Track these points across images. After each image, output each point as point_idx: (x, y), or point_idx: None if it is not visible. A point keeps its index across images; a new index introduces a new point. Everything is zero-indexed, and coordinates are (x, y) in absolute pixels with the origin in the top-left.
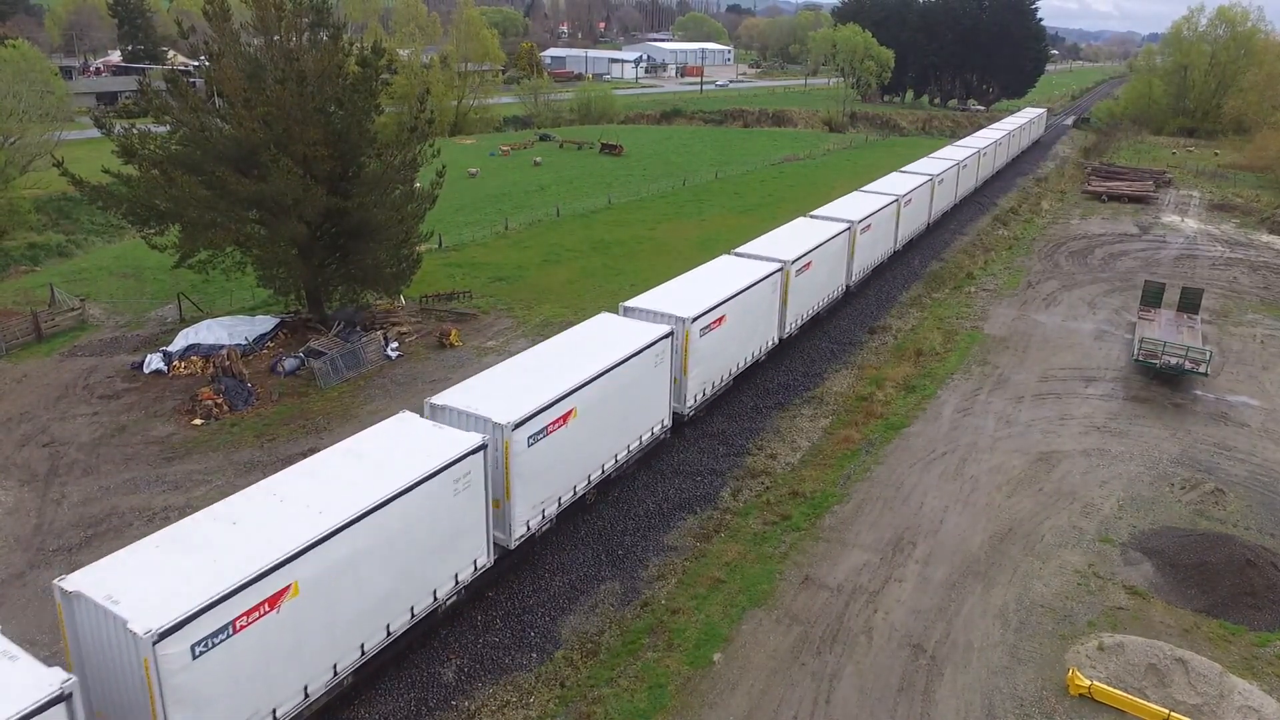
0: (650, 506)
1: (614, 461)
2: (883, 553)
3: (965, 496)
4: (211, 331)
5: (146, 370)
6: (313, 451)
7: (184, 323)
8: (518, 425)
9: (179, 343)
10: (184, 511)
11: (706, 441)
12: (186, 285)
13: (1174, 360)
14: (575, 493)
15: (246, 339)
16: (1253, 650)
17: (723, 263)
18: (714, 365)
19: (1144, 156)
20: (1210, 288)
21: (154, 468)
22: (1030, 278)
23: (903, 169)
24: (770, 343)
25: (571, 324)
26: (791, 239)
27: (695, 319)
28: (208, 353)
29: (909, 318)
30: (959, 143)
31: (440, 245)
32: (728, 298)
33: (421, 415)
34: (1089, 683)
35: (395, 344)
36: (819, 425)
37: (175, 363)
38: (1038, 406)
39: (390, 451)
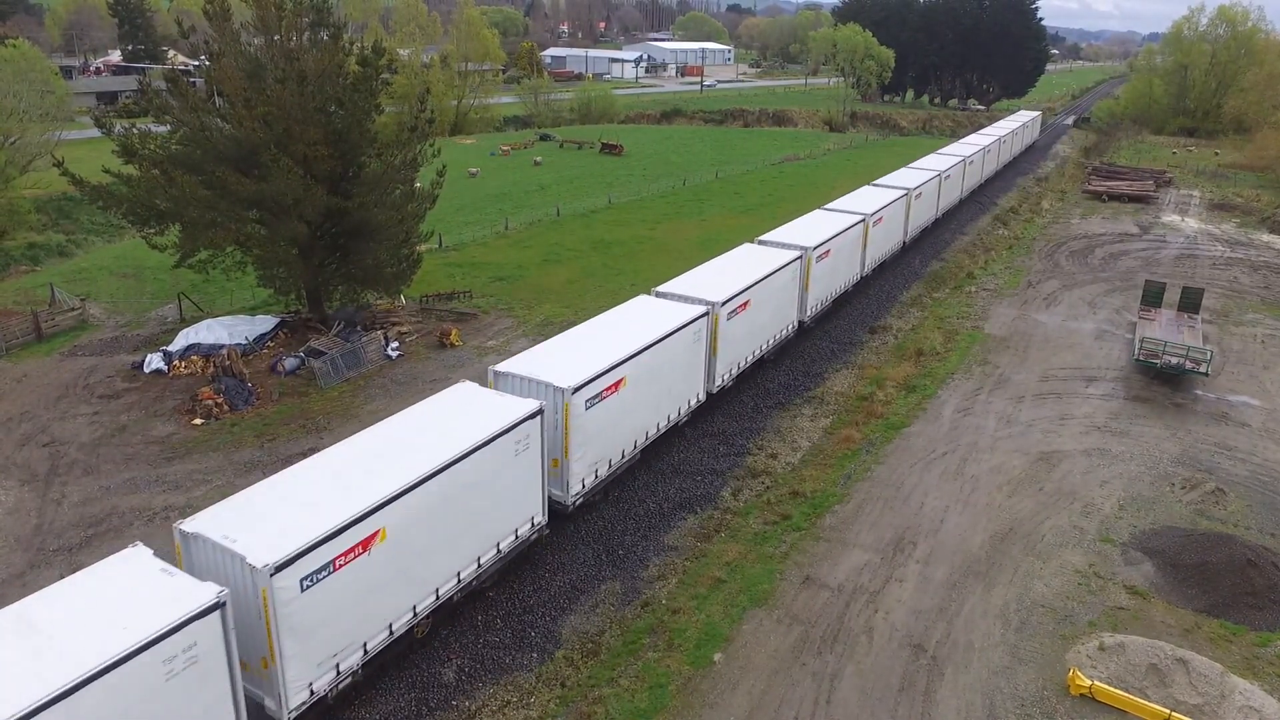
0: (650, 506)
1: (455, 582)
2: (883, 552)
3: (966, 496)
4: (212, 331)
5: (147, 370)
6: (313, 451)
7: (184, 322)
8: (280, 568)
9: (179, 342)
10: (184, 511)
11: (707, 441)
12: (186, 285)
13: (1174, 360)
14: (392, 632)
15: (247, 339)
16: (1254, 650)
17: (638, 306)
18: (612, 439)
19: (1144, 156)
20: (1211, 287)
21: (154, 468)
22: (1031, 277)
23: (875, 182)
24: (694, 400)
25: (572, 323)
26: (726, 272)
27: (579, 387)
28: (208, 352)
29: (909, 317)
30: (943, 150)
31: (440, 245)
32: (629, 355)
33: (178, 541)
34: (1090, 683)
35: (396, 344)
36: (819, 425)
37: (175, 362)
38: (1038, 406)
39: (81, 617)
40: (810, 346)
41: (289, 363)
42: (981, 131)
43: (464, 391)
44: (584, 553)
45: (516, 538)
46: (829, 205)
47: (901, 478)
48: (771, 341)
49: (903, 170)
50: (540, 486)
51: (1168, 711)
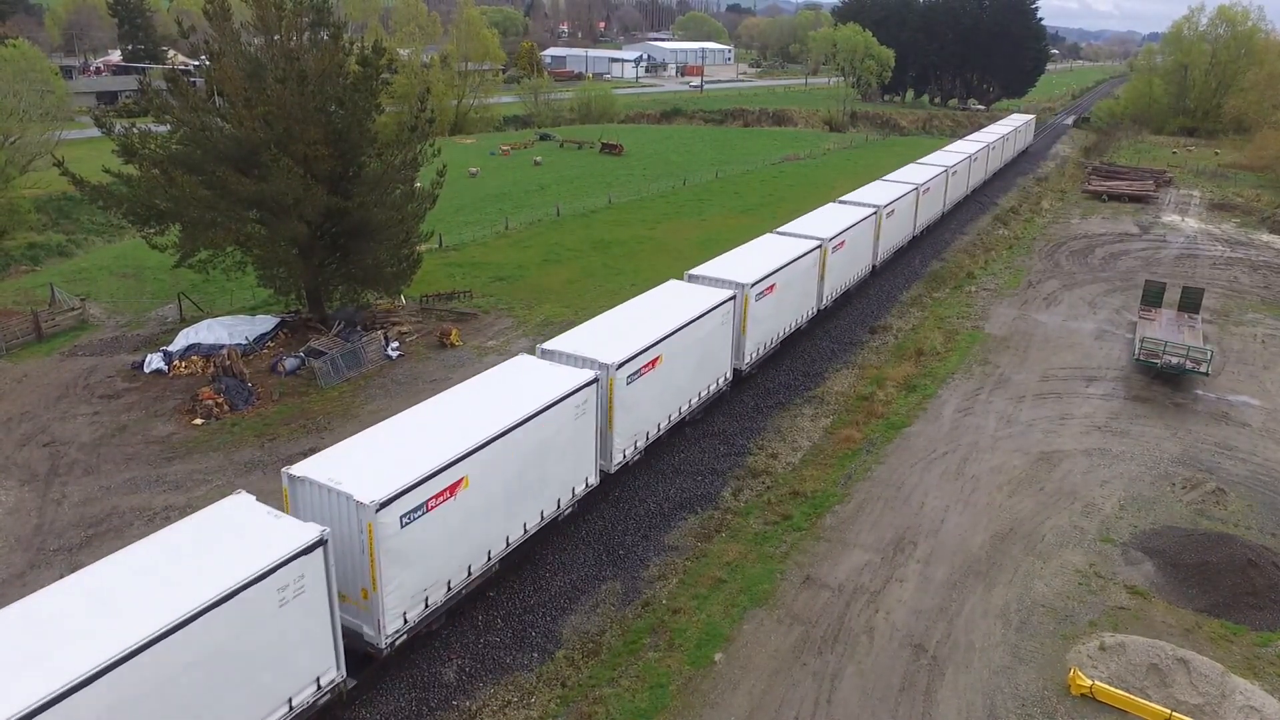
0: (651, 506)
1: None
2: (884, 552)
3: (966, 496)
4: (212, 331)
5: (147, 370)
6: (313, 451)
7: (184, 322)
8: None
9: (179, 342)
10: (184, 511)
11: (707, 441)
12: (187, 285)
13: (1175, 360)
14: None
15: (247, 339)
16: (1254, 650)
17: (514, 369)
18: (450, 556)
19: (1144, 156)
20: (1211, 287)
21: (154, 468)
22: (1031, 277)
23: (842, 199)
24: (580, 487)
25: (572, 323)
26: (638, 320)
27: (389, 501)
28: (208, 352)
29: (909, 317)
30: (923, 160)
31: (440, 245)
32: (474, 447)
33: None
34: (1090, 683)
35: (396, 344)
36: (820, 425)
37: (175, 362)
38: (1038, 406)
39: None
40: (810, 346)
41: (289, 363)
42: (968, 138)
43: (230, 511)
44: (584, 553)
45: (291, 709)
46: (782, 228)
47: (902, 478)
48: (696, 400)
49: (875, 184)
50: (329, 636)
51: (1168, 711)
